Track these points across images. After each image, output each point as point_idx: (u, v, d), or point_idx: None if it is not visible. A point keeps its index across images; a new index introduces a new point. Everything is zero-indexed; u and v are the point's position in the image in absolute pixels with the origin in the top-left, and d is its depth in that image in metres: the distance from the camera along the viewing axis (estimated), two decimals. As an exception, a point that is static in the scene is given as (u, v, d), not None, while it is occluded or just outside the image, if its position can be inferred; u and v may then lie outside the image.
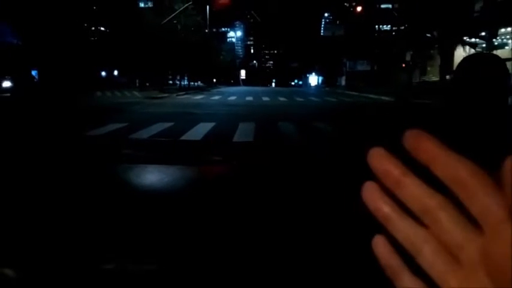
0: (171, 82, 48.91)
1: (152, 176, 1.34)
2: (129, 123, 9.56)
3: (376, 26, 47.80)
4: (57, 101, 18.15)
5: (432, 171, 0.21)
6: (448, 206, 0.21)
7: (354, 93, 30.54)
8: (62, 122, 10.35)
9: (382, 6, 50.04)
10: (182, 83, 40.76)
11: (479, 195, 0.19)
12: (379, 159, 0.23)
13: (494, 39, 24.13)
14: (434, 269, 0.21)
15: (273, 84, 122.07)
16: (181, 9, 31.72)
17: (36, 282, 0.80)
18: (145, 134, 8.12)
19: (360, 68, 52.86)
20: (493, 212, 0.19)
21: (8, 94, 20.87)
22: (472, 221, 0.20)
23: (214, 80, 67.97)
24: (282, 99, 24.28)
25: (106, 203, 1.03)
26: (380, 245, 0.24)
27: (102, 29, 41.65)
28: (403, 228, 0.22)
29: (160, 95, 24.30)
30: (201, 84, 60.43)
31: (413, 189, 0.22)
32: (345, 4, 72.22)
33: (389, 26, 43.53)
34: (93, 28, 40.10)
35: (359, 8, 51.73)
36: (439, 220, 0.21)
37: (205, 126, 9.33)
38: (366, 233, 0.24)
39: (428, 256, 0.21)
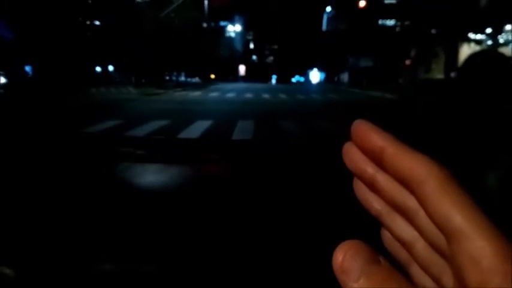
0: (168, 78, 48.90)
1: (149, 174, 1.35)
2: (124, 120, 9.56)
3: (380, 22, 47.79)
4: (51, 97, 18.14)
5: (382, 167, 0.20)
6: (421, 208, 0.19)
7: (357, 90, 30.55)
8: (56, 118, 10.35)
9: (386, 1, 50.05)
10: (179, 79, 40.73)
11: (437, 201, 0.18)
12: (352, 159, 0.22)
13: (499, 36, 24.14)
14: (427, 266, 0.20)
15: (274, 81, 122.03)
16: (179, 2, 31.69)
17: (33, 281, 0.81)
18: (141, 131, 8.13)
19: (363, 64, 52.86)
20: (454, 223, 0.17)
21: (2, 90, 20.86)
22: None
23: (213, 76, 67.96)
24: (282, 96, 24.29)
25: (102, 202, 1.04)
26: (387, 238, 0.23)
27: (97, 23, 41.59)
28: (393, 225, 0.22)
29: (156, 92, 24.29)
30: (199, 80, 60.36)
31: (387, 190, 0.21)
32: (348, -1, 72.20)
33: (393, 21, 43.53)
34: (88, 22, 40.03)
35: (362, 3, 51.69)
36: (419, 222, 0.20)
37: (203, 124, 9.34)
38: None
39: (420, 253, 0.21)
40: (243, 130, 8.50)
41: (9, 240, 0.86)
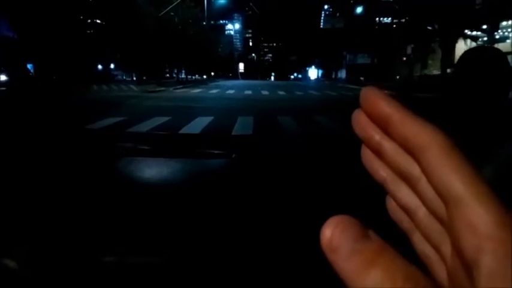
0: (168, 75, 48.83)
1: (150, 169, 1.35)
2: (126, 117, 9.55)
3: (377, 19, 47.72)
4: (53, 95, 18.12)
5: (388, 133, 0.21)
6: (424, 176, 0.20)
7: (354, 86, 30.54)
8: (58, 115, 10.34)
9: (383, -2, 49.93)
10: (180, 76, 40.74)
11: (439, 167, 0.18)
12: (361, 125, 0.22)
13: (495, 33, 24.12)
14: (428, 234, 0.21)
15: (272, 78, 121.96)
16: (178, 0, 31.59)
17: (36, 273, 0.81)
18: (142, 128, 8.12)
19: (360, 61, 52.84)
20: (454, 190, 0.18)
21: (4, 88, 20.85)
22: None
23: (213, 74, 67.94)
24: (281, 92, 24.28)
25: (105, 196, 1.05)
26: (391, 206, 0.23)
27: (99, 21, 41.47)
28: (398, 193, 0.22)
29: (157, 89, 24.26)
30: (199, 77, 60.34)
31: (393, 156, 0.21)
32: (345, -4, 72.04)
33: (390, 18, 43.47)
34: (89, 21, 39.92)
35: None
36: (421, 189, 0.20)
37: (203, 120, 9.33)
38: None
39: (422, 220, 0.21)
40: (243, 126, 8.50)
41: (12, 233, 0.86)
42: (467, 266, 0.17)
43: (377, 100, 0.21)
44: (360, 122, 0.22)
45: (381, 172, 0.22)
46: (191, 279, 0.90)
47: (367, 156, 0.23)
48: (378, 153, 0.22)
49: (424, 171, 0.19)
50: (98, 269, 0.85)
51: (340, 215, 0.18)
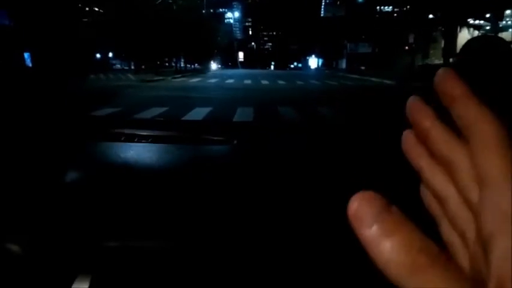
0: (167, 64, 48.60)
1: (151, 154, 1.35)
2: (123, 108, 9.53)
3: (378, 7, 47.47)
4: (48, 84, 18.02)
5: (451, 111, 0.22)
6: (468, 164, 0.21)
7: (355, 76, 30.43)
8: (53, 105, 10.29)
9: (385, -14, 49.52)
10: (178, 65, 40.56)
11: (488, 149, 0.19)
12: (413, 109, 0.23)
13: (499, 22, 24.00)
14: (455, 220, 0.22)
15: (272, 67, 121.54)
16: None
17: (40, 258, 0.83)
18: (140, 118, 8.11)
19: (361, 50, 52.60)
20: (493, 171, 0.19)
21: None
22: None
23: (212, 63, 67.67)
24: (281, 82, 24.21)
25: (106, 181, 1.05)
26: (425, 195, 0.24)
27: (96, 9, 41.15)
28: (432, 181, 0.23)
29: (155, 78, 24.17)
30: (198, 66, 60.10)
31: (438, 142, 0.22)
32: (346, -16, 71.42)
33: (391, 7, 43.23)
34: (87, 8, 39.60)
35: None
36: (457, 176, 0.21)
37: (201, 111, 9.30)
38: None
39: (451, 208, 0.22)
40: (242, 117, 8.49)
41: (15, 218, 0.87)
42: (485, 248, 0.18)
43: (451, 80, 0.22)
44: (414, 106, 0.23)
45: (419, 159, 0.23)
46: (191, 264, 0.92)
47: (409, 142, 0.24)
48: (423, 138, 0.23)
49: (474, 150, 0.20)
50: (101, 253, 0.86)
51: (366, 190, 0.20)
